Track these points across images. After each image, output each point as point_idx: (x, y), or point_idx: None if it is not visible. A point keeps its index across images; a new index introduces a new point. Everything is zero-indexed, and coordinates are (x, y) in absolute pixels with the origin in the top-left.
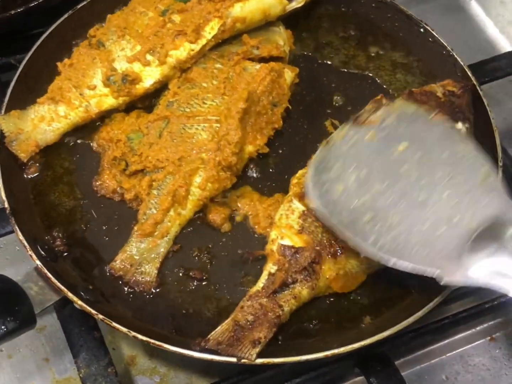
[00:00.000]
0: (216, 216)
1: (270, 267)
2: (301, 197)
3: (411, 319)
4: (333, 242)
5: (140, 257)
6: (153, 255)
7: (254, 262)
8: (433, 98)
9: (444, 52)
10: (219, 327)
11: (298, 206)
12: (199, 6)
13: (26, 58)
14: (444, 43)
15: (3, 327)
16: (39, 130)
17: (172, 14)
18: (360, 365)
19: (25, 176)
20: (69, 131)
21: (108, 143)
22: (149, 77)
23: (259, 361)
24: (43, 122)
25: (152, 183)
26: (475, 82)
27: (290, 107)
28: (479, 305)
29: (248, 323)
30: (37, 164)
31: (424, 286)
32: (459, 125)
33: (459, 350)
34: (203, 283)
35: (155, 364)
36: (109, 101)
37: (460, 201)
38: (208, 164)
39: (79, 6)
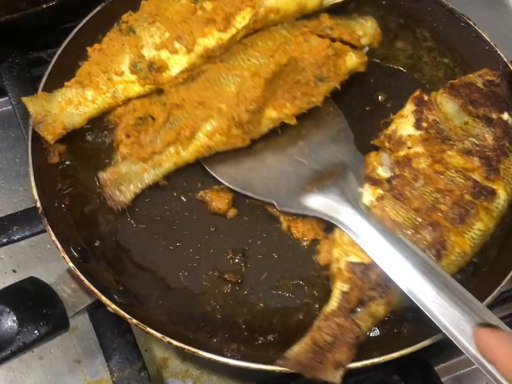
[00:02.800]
0: (219, 202)
1: (341, 286)
2: None
3: None
4: None
5: (126, 176)
6: (137, 179)
7: (290, 266)
8: (475, 89)
9: (487, 47)
10: (295, 346)
11: None
12: None
13: (58, 53)
14: (487, 38)
15: (36, 331)
16: (66, 113)
17: (204, 1)
18: (400, 372)
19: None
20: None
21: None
22: (176, 65)
23: None
24: (70, 106)
25: (169, 116)
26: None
27: (339, 88)
28: None
29: (327, 344)
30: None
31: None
32: (506, 115)
33: None
34: (237, 287)
35: (187, 367)
36: (136, 89)
37: (311, 148)
38: (223, 116)
39: None
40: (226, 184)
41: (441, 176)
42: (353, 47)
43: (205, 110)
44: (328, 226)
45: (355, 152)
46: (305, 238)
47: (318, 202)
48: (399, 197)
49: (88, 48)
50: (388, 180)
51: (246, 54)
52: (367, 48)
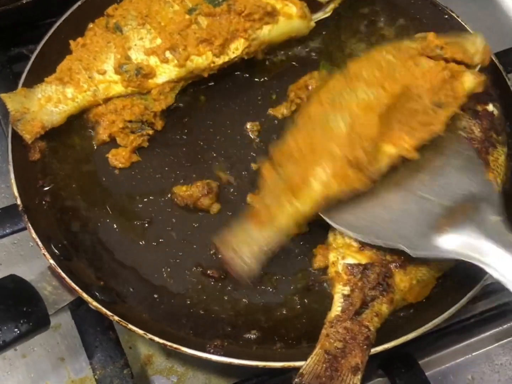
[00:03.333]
0: (204, 198)
1: (342, 289)
2: None
3: (437, 321)
4: (398, 252)
5: (246, 243)
6: (259, 247)
7: (273, 261)
8: None
9: None
10: (309, 359)
11: None
12: (227, 15)
13: (39, 47)
14: (470, 31)
15: (16, 330)
16: (45, 111)
17: (199, 15)
18: (384, 366)
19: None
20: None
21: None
22: (164, 74)
23: (280, 364)
24: (49, 103)
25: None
26: (498, 65)
27: (459, 112)
28: (506, 303)
29: (339, 350)
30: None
31: (450, 286)
32: (490, 107)
33: (486, 349)
34: (221, 283)
35: (172, 364)
36: (118, 89)
37: (435, 182)
38: (336, 159)
39: None
40: (346, 231)
41: None
42: (467, 66)
43: (315, 156)
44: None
45: (485, 182)
46: None
47: (454, 242)
48: None
49: (71, 42)
50: None
51: (352, 88)
52: (478, 67)
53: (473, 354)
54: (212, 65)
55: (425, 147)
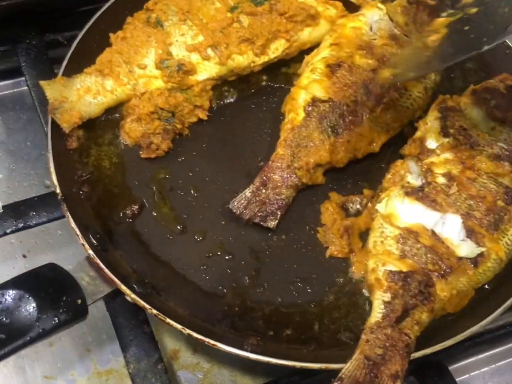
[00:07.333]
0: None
1: (382, 296)
2: (390, 220)
3: (474, 329)
4: (439, 262)
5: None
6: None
7: (308, 261)
8: (497, 94)
9: (508, 51)
10: (348, 364)
11: (391, 230)
12: (269, 15)
13: (79, 37)
14: (509, 43)
15: (55, 319)
16: (84, 102)
17: (241, 14)
18: (416, 373)
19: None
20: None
21: None
22: (205, 72)
23: (318, 366)
24: (88, 94)
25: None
26: None
27: None
28: None
29: (379, 356)
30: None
31: (487, 295)
32: None
33: (510, 359)
34: (256, 281)
35: (198, 360)
36: (158, 84)
37: None
38: None
39: None
40: None
41: (473, 183)
42: None
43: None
44: None
45: None
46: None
47: None
48: (432, 205)
49: (111, 35)
50: (420, 188)
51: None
52: None
53: (497, 364)
54: (252, 64)
55: None
